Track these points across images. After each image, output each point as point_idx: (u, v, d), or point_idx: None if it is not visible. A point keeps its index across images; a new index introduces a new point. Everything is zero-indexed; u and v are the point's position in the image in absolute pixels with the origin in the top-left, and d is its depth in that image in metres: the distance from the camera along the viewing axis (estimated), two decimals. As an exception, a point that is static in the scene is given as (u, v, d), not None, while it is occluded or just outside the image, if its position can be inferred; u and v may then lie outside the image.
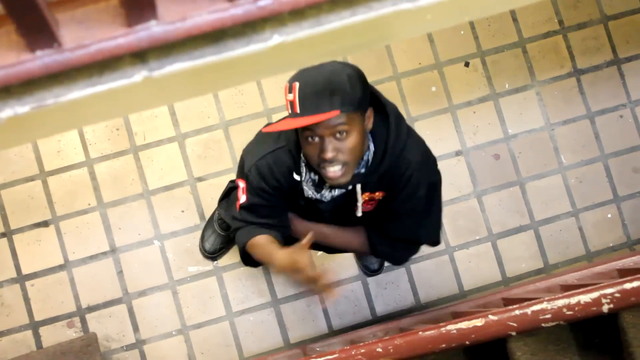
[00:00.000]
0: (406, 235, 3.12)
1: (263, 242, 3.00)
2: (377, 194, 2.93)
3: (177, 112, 4.41)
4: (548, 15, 4.67)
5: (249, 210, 3.03)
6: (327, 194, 2.93)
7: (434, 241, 3.28)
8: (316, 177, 2.87)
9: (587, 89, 4.62)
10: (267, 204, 3.01)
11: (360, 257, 4.34)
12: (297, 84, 2.54)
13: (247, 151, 3.11)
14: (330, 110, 2.47)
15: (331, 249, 3.42)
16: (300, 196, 2.99)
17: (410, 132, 2.91)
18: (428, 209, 3.04)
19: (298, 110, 2.52)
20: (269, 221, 3.04)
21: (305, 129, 2.57)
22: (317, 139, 2.57)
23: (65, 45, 1.14)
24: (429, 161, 3.01)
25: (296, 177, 2.90)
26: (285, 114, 2.66)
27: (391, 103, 2.87)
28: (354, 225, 3.17)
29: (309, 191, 2.94)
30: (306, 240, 2.72)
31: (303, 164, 2.87)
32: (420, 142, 3.00)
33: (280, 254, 2.80)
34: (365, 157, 2.78)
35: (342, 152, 2.59)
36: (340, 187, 2.83)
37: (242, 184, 3.01)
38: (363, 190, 2.90)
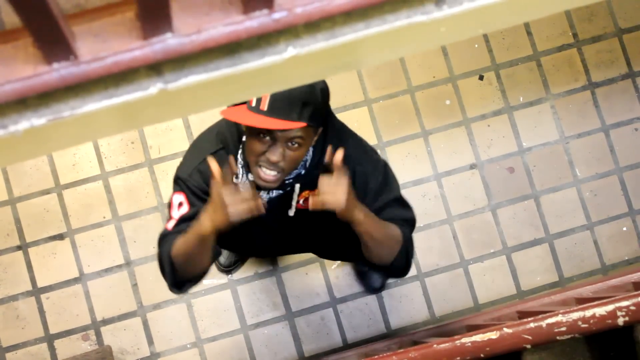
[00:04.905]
0: (393, 217, 2.89)
1: (186, 233, 2.71)
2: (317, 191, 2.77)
3: (191, 125, 4.43)
4: (562, 28, 4.67)
5: (191, 219, 2.76)
6: (264, 195, 2.81)
7: (411, 217, 3.02)
8: (253, 179, 2.72)
9: (602, 102, 4.62)
10: None
11: (362, 276, 4.31)
12: None
13: (184, 161, 2.95)
14: (298, 120, 2.44)
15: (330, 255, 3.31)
16: None
17: (343, 125, 2.89)
18: (392, 194, 2.91)
19: (265, 108, 2.45)
20: None
21: None
22: (267, 138, 2.51)
23: (81, 57, 1.15)
24: (367, 150, 2.93)
25: (235, 180, 2.71)
26: None
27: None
28: (291, 227, 3.01)
29: None
30: (216, 171, 2.52)
31: (240, 166, 2.76)
32: (353, 134, 2.94)
33: (201, 215, 2.60)
34: (305, 161, 2.73)
35: (285, 161, 2.54)
36: (276, 188, 2.74)
37: (181, 197, 2.83)
38: (303, 189, 2.82)
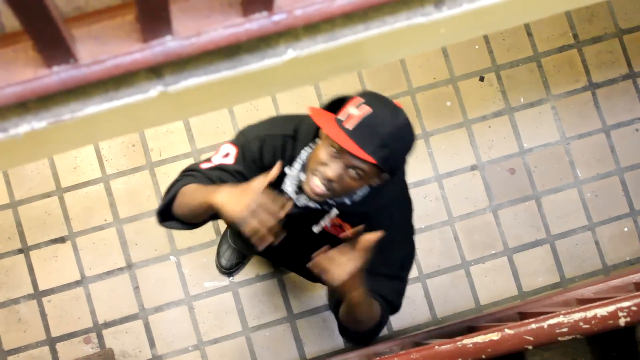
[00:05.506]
0: (385, 295, 2.94)
1: (205, 187, 2.70)
2: (347, 225, 2.82)
3: (192, 127, 4.43)
4: (563, 29, 4.67)
5: (226, 172, 2.80)
6: (302, 200, 2.79)
7: (397, 306, 3.07)
8: (303, 180, 2.72)
9: (603, 103, 4.61)
10: (246, 175, 2.79)
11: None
12: (368, 110, 2.47)
13: (257, 125, 2.97)
14: (370, 154, 2.42)
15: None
16: (275, 188, 2.76)
17: (406, 186, 2.91)
18: (402, 273, 2.97)
19: (349, 127, 2.46)
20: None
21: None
22: (336, 154, 2.50)
23: (81, 60, 1.15)
24: (408, 223, 2.96)
25: (287, 170, 2.76)
26: None
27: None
28: (306, 240, 2.94)
29: (289, 188, 2.79)
30: (273, 174, 2.49)
31: (299, 161, 2.75)
32: (409, 200, 2.95)
33: (225, 188, 2.54)
34: (355, 193, 2.72)
35: (339, 183, 2.52)
36: (316, 202, 2.74)
37: (232, 150, 2.85)
38: (339, 215, 2.81)
